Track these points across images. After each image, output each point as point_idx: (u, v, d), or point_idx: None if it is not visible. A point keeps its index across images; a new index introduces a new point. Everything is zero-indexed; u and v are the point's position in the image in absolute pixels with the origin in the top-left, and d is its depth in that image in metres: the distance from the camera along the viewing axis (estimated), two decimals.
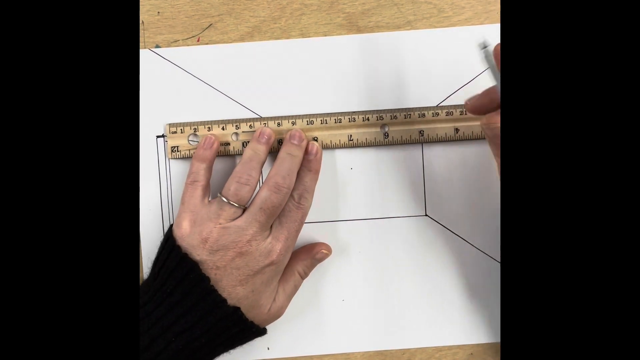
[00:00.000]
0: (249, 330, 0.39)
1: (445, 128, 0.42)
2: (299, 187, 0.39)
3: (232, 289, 0.37)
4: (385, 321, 0.43)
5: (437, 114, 0.42)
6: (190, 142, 0.42)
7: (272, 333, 0.42)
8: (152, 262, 0.40)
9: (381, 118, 0.42)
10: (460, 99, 0.42)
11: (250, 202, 0.38)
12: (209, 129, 0.42)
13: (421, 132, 0.42)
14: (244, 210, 0.38)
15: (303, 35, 0.42)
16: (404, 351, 0.43)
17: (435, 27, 0.42)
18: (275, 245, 0.38)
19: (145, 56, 0.42)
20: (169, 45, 0.42)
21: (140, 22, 0.42)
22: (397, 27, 0.42)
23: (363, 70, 0.42)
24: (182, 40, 0.42)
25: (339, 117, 0.42)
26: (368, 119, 0.42)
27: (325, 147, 0.42)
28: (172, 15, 0.42)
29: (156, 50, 0.42)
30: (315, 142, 0.41)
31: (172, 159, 0.42)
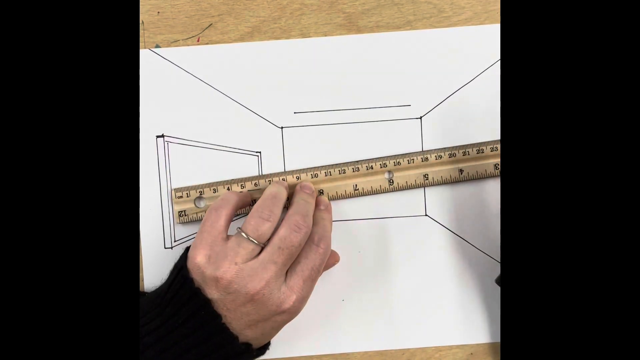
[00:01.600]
0: (253, 357, 0.38)
1: (449, 170, 0.42)
2: (317, 230, 0.38)
3: (241, 330, 0.36)
4: (385, 321, 0.43)
5: (440, 157, 0.42)
6: (196, 205, 0.42)
7: None
8: (163, 288, 0.38)
9: (385, 165, 0.42)
10: (461, 98, 0.42)
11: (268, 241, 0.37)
12: (215, 191, 0.42)
13: (425, 176, 0.42)
14: (262, 249, 0.37)
15: (303, 35, 0.42)
16: (403, 351, 0.43)
17: (435, 27, 0.42)
18: (289, 296, 0.36)
19: (145, 56, 0.42)
20: (169, 45, 0.42)
21: (140, 22, 0.42)
22: (397, 27, 0.42)
23: (363, 69, 0.42)
24: (182, 40, 0.42)
25: (343, 168, 0.42)
26: (372, 167, 0.42)
27: (332, 198, 0.42)
28: (172, 15, 0.42)
29: (156, 50, 0.42)
30: (322, 197, 0.42)
31: (179, 223, 0.42)
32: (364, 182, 0.42)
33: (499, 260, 0.43)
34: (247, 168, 0.43)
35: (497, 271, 0.43)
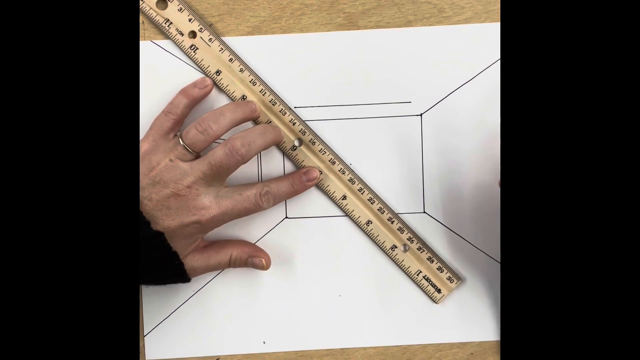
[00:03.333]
0: (170, 259, 0.38)
1: None
2: (272, 186, 0.40)
3: (156, 220, 0.37)
4: (382, 317, 0.43)
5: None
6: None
7: (268, 327, 0.43)
8: None
9: (304, 133, 0.42)
10: (461, 97, 0.42)
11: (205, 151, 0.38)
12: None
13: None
14: (197, 157, 0.38)
15: None
16: (404, 351, 0.43)
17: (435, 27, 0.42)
18: (211, 209, 0.38)
19: (146, 48, 0.42)
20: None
21: (141, 22, 0.42)
22: (397, 27, 0.42)
23: (363, 66, 0.42)
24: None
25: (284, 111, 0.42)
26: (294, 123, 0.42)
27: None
28: None
29: (157, 41, 0.42)
30: (317, 172, 0.41)
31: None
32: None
33: (498, 258, 0.42)
34: (247, 163, 0.42)
35: (496, 269, 0.42)
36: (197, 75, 0.42)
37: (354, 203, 0.42)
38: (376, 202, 0.42)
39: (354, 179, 0.42)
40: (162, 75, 0.42)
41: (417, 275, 0.42)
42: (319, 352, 0.43)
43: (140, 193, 0.37)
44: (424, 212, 0.43)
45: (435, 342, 0.43)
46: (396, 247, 0.42)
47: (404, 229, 0.42)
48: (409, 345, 0.43)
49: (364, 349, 0.43)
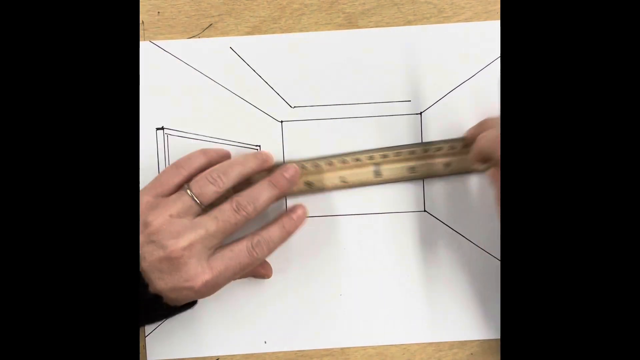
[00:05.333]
0: (172, 312, 0.37)
1: (436, 163, 0.42)
2: (262, 234, 0.37)
3: (151, 281, 0.35)
4: (382, 317, 0.43)
5: (427, 150, 0.42)
6: None
7: (269, 327, 0.42)
8: None
9: (372, 158, 0.42)
10: (460, 95, 0.42)
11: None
12: None
13: (412, 169, 0.42)
14: (199, 213, 0.36)
15: None
16: (403, 351, 0.43)
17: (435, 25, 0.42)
18: (204, 274, 0.35)
19: (146, 48, 0.42)
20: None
21: (140, 22, 0.42)
22: (397, 27, 0.42)
23: (362, 64, 0.42)
24: (183, 40, 0.42)
25: (330, 160, 0.42)
26: (359, 160, 0.42)
27: (318, 190, 0.42)
28: (172, 15, 0.42)
29: (156, 42, 0.42)
30: (304, 207, 0.39)
31: None
32: (351, 175, 0.42)
33: (499, 257, 0.42)
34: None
35: (496, 268, 0.42)
36: (196, 77, 0.42)
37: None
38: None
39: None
40: (161, 75, 0.42)
41: None
42: (319, 352, 0.43)
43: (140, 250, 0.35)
44: (424, 210, 0.43)
45: (435, 342, 0.43)
46: None
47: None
48: (409, 345, 0.43)
49: (364, 348, 0.43)
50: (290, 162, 0.41)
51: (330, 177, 0.42)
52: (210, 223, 0.35)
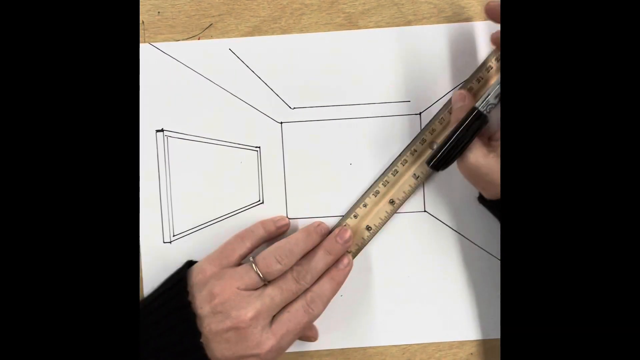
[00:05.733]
0: None
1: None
2: (315, 290, 0.39)
3: (213, 356, 0.36)
4: (383, 317, 0.43)
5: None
6: None
7: None
8: (158, 291, 0.40)
9: (405, 162, 0.42)
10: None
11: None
12: None
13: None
14: (263, 286, 0.38)
15: None
16: (403, 351, 0.43)
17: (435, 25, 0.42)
18: (268, 340, 0.37)
19: (145, 50, 0.42)
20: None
21: (141, 22, 0.42)
22: (397, 27, 0.42)
23: (362, 65, 0.42)
24: (183, 40, 0.42)
25: (376, 190, 0.42)
26: (397, 171, 0.42)
27: (376, 228, 0.42)
28: (172, 15, 0.42)
29: (156, 44, 0.42)
30: (349, 255, 0.40)
31: None
32: (397, 192, 0.42)
33: (499, 257, 0.42)
34: (246, 163, 0.43)
35: (496, 268, 0.42)
36: (196, 78, 0.42)
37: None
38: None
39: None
40: (161, 77, 0.42)
41: None
42: (319, 352, 0.43)
43: (198, 321, 0.36)
44: (425, 210, 0.43)
45: (435, 342, 0.43)
46: None
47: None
48: (409, 345, 0.43)
49: (364, 349, 0.43)
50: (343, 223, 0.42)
51: (381, 208, 0.42)
52: (275, 293, 0.37)
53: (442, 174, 0.42)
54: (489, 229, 0.42)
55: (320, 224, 0.40)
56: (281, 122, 0.43)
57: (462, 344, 0.43)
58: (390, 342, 0.43)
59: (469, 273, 0.43)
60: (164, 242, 0.43)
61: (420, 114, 0.42)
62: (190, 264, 0.40)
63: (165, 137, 0.42)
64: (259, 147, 0.43)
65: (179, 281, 0.38)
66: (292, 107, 0.42)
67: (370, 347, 0.43)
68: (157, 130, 0.42)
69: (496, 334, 0.43)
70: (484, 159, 0.37)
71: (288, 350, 0.42)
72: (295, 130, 0.42)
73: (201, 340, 0.36)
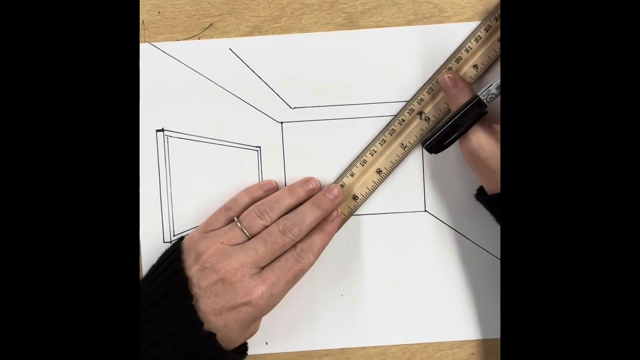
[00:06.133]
0: (222, 357, 0.38)
1: None
2: (306, 241, 0.39)
3: (206, 314, 0.36)
4: (383, 317, 0.43)
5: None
6: None
7: (271, 328, 0.42)
8: (154, 266, 0.40)
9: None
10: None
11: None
12: None
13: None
14: (247, 240, 0.38)
15: None
16: (404, 351, 0.43)
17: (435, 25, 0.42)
18: (257, 286, 0.37)
19: (145, 50, 0.42)
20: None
21: (141, 22, 0.42)
22: (398, 27, 0.42)
23: (362, 65, 0.42)
24: (183, 40, 0.42)
25: (363, 158, 0.42)
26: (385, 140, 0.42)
27: (364, 197, 0.42)
28: (172, 15, 0.42)
29: (156, 44, 0.42)
30: (337, 210, 0.41)
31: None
32: (384, 162, 0.42)
33: (499, 256, 0.42)
34: (246, 163, 0.43)
35: (496, 267, 0.42)
36: (196, 78, 0.42)
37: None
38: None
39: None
40: (161, 77, 0.42)
41: None
42: (319, 352, 0.43)
43: (189, 284, 0.37)
44: (425, 210, 0.43)
45: (435, 341, 0.43)
46: None
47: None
48: (409, 345, 0.43)
49: (364, 348, 0.43)
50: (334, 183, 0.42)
51: (368, 177, 0.42)
52: (259, 245, 0.38)
53: (442, 174, 0.42)
54: (489, 228, 0.43)
55: (310, 179, 0.41)
56: (281, 122, 0.43)
57: (462, 343, 0.43)
58: (390, 342, 0.43)
59: (469, 273, 0.43)
60: (164, 242, 0.43)
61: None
62: (182, 239, 0.41)
63: (166, 137, 0.42)
64: (259, 147, 0.43)
65: (172, 252, 0.39)
66: (293, 107, 0.42)
67: (370, 347, 0.43)
68: (157, 130, 0.42)
69: (496, 334, 0.43)
70: (487, 141, 0.37)
71: (288, 350, 0.43)
72: (296, 130, 0.43)
73: (192, 303, 0.36)
